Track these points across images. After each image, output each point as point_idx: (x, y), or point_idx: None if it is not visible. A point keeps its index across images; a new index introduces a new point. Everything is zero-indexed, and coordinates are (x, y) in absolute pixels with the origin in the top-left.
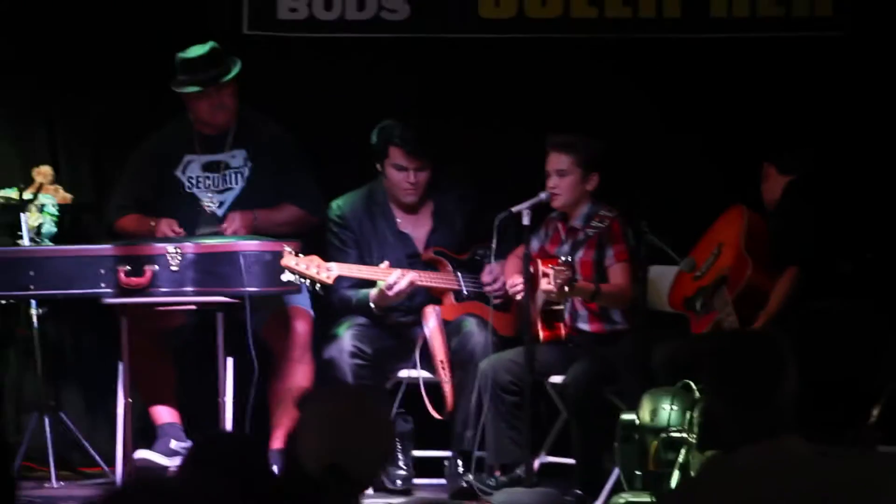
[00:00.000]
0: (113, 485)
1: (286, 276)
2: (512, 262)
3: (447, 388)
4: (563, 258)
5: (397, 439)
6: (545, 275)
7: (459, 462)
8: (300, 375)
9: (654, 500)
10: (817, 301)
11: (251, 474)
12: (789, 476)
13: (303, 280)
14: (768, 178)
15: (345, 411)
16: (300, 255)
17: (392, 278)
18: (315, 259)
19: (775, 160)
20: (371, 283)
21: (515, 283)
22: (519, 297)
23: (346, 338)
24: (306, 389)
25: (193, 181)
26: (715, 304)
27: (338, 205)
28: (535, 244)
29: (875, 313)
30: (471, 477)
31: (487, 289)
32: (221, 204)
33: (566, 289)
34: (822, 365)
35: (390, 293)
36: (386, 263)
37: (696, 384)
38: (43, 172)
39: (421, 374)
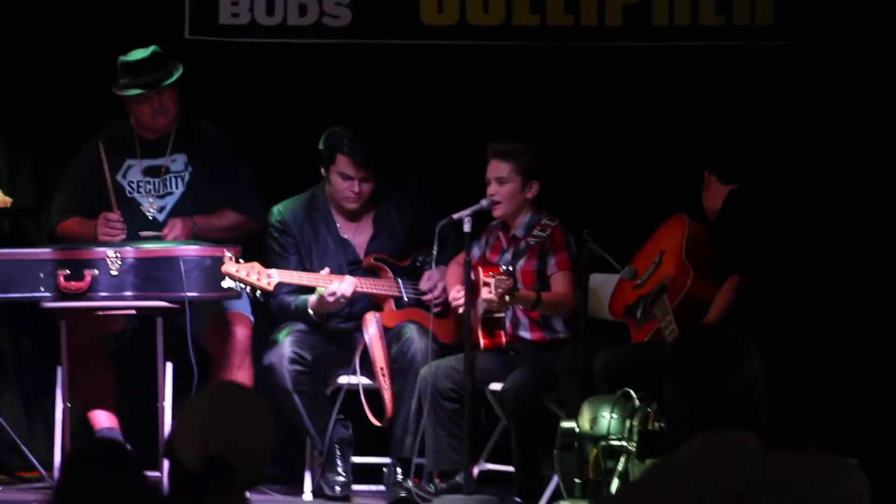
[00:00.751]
0: (51, 490)
1: (226, 283)
2: (453, 270)
3: (387, 395)
4: (504, 267)
5: (336, 445)
6: (486, 284)
7: (398, 469)
8: (240, 381)
9: None
10: (769, 312)
11: (127, 480)
12: (730, 470)
13: (243, 286)
14: (709, 186)
15: (216, 405)
16: (241, 260)
17: (333, 286)
18: (255, 266)
19: (717, 169)
20: (311, 290)
21: (457, 296)
22: (461, 310)
23: (286, 344)
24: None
25: (134, 185)
26: (656, 312)
27: (279, 210)
28: (476, 252)
29: (825, 327)
30: (410, 485)
31: (426, 297)
32: (162, 209)
33: (507, 298)
34: (775, 378)
35: (331, 298)
36: (326, 270)
37: (636, 392)
38: None
39: (361, 380)
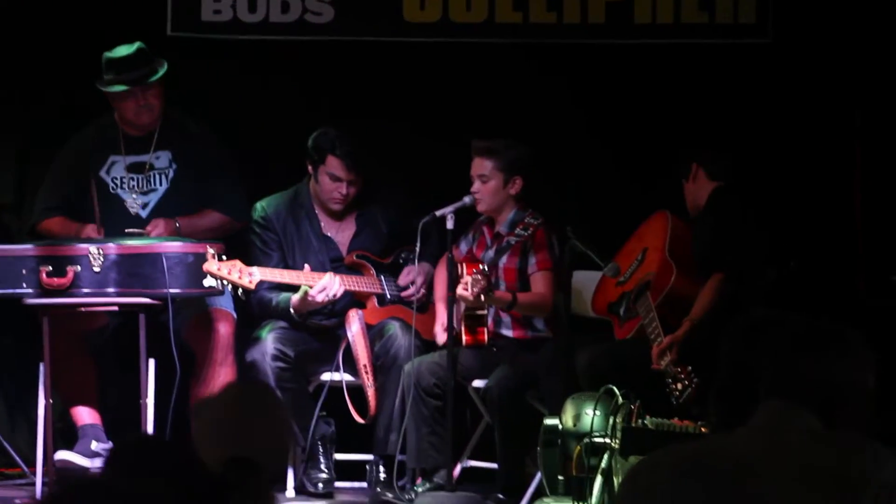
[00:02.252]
0: (33, 486)
1: (208, 281)
2: (441, 273)
3: (370, 392)
4: (482, 266)
5: (319, 442)
6: (463, 282)
7: (381, 466)
8: (222, 377)
9: None
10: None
11: (181, 476)
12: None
13: (225, 284)
14: (696, 179)
15: (236, 406)
16: (223, 258)
17: (323, 282)
18: (237, 264)
19: (706, 164)
20: (293, 287)
21: (440, 333)
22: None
23: (269, 340)
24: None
25: (118, 182)
26: (638, 309)
27: (262, 206)
28: (463, 247)
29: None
30: (390, 496)
31: (405, 293)
32: (146, 205)
33: (482, 298)
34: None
35: (320, 295)
36: (307, 267)
37: (618, 389)
38: None
39: (344, 377)
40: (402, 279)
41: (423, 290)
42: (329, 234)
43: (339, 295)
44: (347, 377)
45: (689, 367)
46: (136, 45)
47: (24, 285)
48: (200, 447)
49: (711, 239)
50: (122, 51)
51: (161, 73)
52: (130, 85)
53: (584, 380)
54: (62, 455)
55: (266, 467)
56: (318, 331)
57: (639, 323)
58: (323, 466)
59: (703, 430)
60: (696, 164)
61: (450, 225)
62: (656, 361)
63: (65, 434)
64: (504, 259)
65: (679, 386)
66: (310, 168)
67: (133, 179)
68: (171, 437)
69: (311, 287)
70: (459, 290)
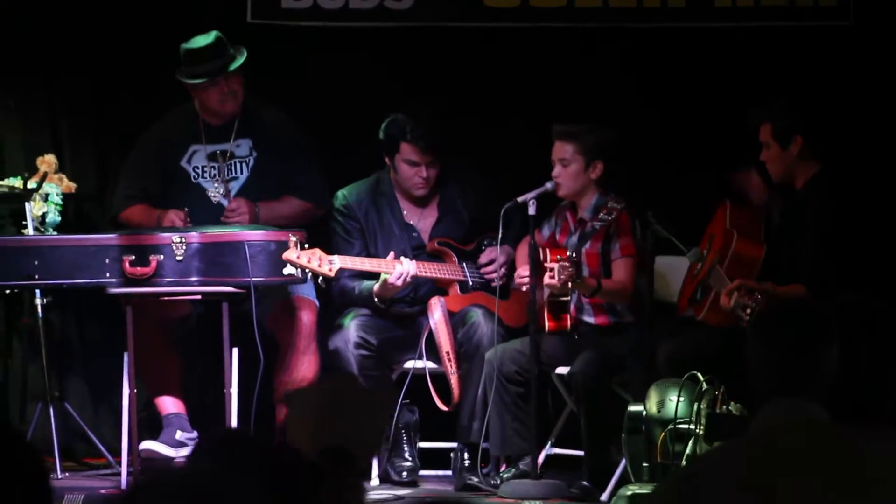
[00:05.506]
0: (118, 476)
1: (288, 270)
2: (523, 250)
3: (453, 380)
4: (569, 253)
5: (403, 430)
6: (549, 270)
7: (466, 454)
8: (306, 366)
9: None
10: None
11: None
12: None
13: (306, 272)
14: (800, 152)
15: (329, 397)
16: (305, 246)
17: (399, 268)
18: (317, 252)
19: (811, 141)
20: (374, 275)
21: (523, 275)
22: (524, 288)
23: (352, 328)
24: (295, 387)
25: (199, 171)
26: (712, 283)
27: (343, 194)
28: (546, 232)
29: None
30: (475, 480)
31: (484, 270)
32: (227, 194)
33: (569, 285)
34: (856, 356)
35: (399, 281)
36: (391, 255)
37: (702, 376)
38: (47, 161)
39: (427, 364)
40: (483, 258)
41: (503, 271)
42: (411, 222)
43: (413, 272)
44: (430, 365)
45: (757, 294)
46: (214, 34)
47: (108, 275)
48: (293, 436)
49: (808, 251)
50: (200, 41)
51: (240, 61)
52: (210, 76)
53: (664, 372)
54: (147, 445)
55: (359, 457)
56: (400, 318)
57: (712, 294)
58: (407, 455)
59: None
60: (801, 138)
61: (531, 211)
62: (726, 301)
63: (149, 424)
64: (588, 244)
65: (748, 311)
66: (387, 160)
67: (214, 168)
68: (256, 431)
69: (389, 274)
70: (546, 280)
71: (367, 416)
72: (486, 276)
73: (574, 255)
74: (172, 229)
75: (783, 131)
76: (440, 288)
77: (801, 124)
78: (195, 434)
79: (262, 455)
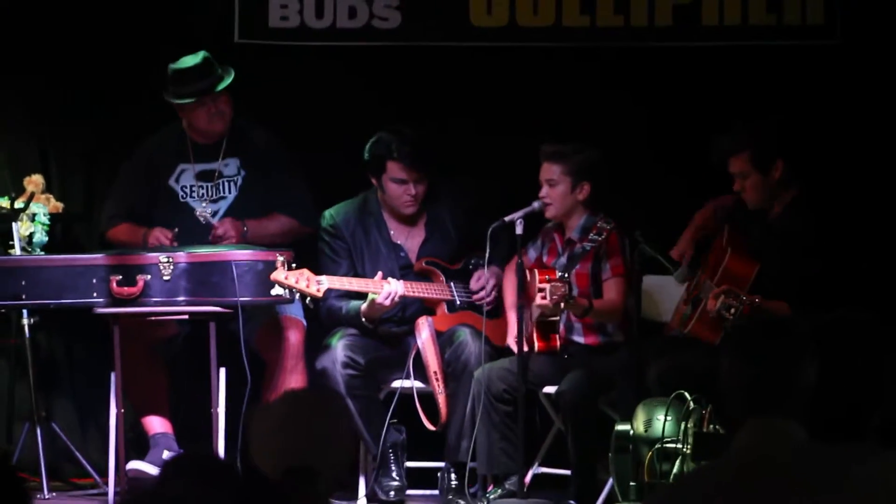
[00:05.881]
0: (106, 496)
1: (276, 290)
2: (511, 278)
3: (441, 399)
4: (560, 273)
5: (390, 450)
6: (541, 290)
7: (453, 474)
8: (293, 385)
9: None
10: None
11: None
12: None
13: (294, 292)
14: (780, 176)
15: (293, 414)
16: (292, 266)
17: (387, 288)
18: (305, 272)
19: (789, 163)
20: (361, 295)
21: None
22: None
23: (339, 348)
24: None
25: (187, 190)
26: (702, 296)
27: (330, 214)
28: (532, 254)
29: (882, 325)
30: (462, 503)
31: (476, 297)
32: (215, 213)
33: (562, 305)
34: (834, 370)
35: (387, 301)
36: (379, 275)
37: (689, 395)
38: (34, 182)
39: (414, 384)
40: (474, 284)
41: (493, 294)
42: (398, 242)
43: (401, 292)
44: (418, 384)
45: (743, 297)
46: (202, 54)
47: (95, 294)
48: (258, 455)
49: (791, 270)
50: (188, 61)
51: (227, 80)
52: (198, 96)
53: (654, 391)
54: (134, 465)
55: (325, 474)
56: (388, 338)
57: (702, 304)
58: (394, 474)
59: None
60: (782, 161)
61: (519, 230)
62: (713, 304)
63: (136, 444)
64: (577, 265)
65: (731, 311)
66: (373, 181)
67: (202, 188)
68: (242, 451)
69: (377, 294)
70: (538, 300)
71: (332, 432)
72: (478, 301)
73: (566, 275)
74: (160, 249)
75: (763, 158)
76: (428, 307)
77: (780, 148)
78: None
79: (231, 476)
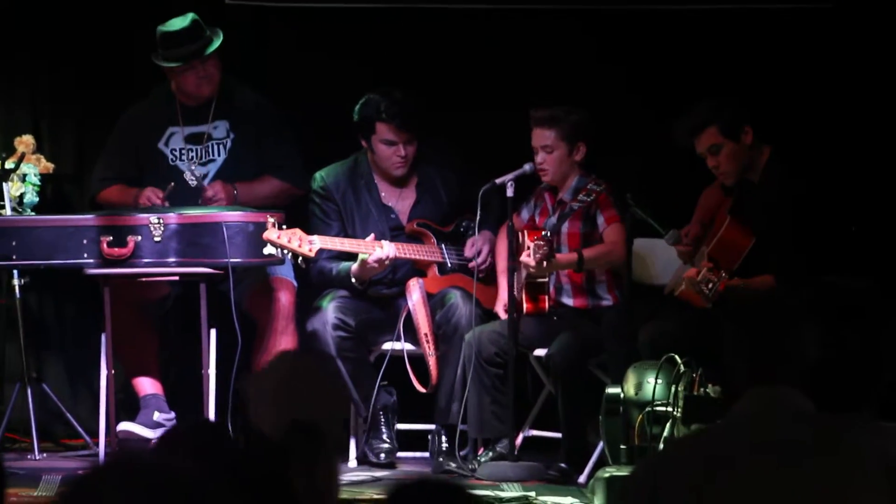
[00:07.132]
0: (96, 457)
1: (268, 249)
2: (503, 243)
3: (431, 362)
4: (544, 232)
5: (381, 412)
6: (526, 248)
7: (443, 437)
8: (283, 347)
9: None
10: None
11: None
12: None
13: (285, 253)
14: (751, 141)
15: (292, 373)
16: (283, 227)
17: (377, 253)
18: (297, 232)
19: (752, 126)
20: (351, 256)
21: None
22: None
23: (330, 310)
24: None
25: (177, 153)
26: (695, 263)
27: (321, 176)
28: (525, 215)
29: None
30: (452, 466)
31: (471, 265)
32: (204, 176)
33: (544, 264)
34: (838, 340)
35: (377, 263)
36: (371, 236)
37: (680, 358)
38: (25, 142)
39: (405, 346)
40: (468, 251)
41: (489, 260)
42: (389, 204)
43: (392, 255)
44: (409, 346)
45: (722, 273)
46: (190, 16)
47: (86, 255)
48: (258, 416)
49: (780, 240)
50: (176, 24)
51: (216, 44)
52: (187, 60)
53: (645, 354)
54: (124, 426)
55: (326, 431)
56: (378, 300)
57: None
58: (385, 436)
59: None
60: (750, 127)
61: (510, 193)
62: (694, 273)
63: (127, 405)
64: (566, 224)
65: (709, 286)
66: (363, 142)
67: (192, 150)
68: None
69: (368, 255)
70: (523, 258)
71: (329, 391)
72: (473, 268)
73: (549, 233)
74: (151, 210)
75: (731, 126)
76: (418, 269)
77: (745, 113)
78: (172, 415)
79: (230, 443)
